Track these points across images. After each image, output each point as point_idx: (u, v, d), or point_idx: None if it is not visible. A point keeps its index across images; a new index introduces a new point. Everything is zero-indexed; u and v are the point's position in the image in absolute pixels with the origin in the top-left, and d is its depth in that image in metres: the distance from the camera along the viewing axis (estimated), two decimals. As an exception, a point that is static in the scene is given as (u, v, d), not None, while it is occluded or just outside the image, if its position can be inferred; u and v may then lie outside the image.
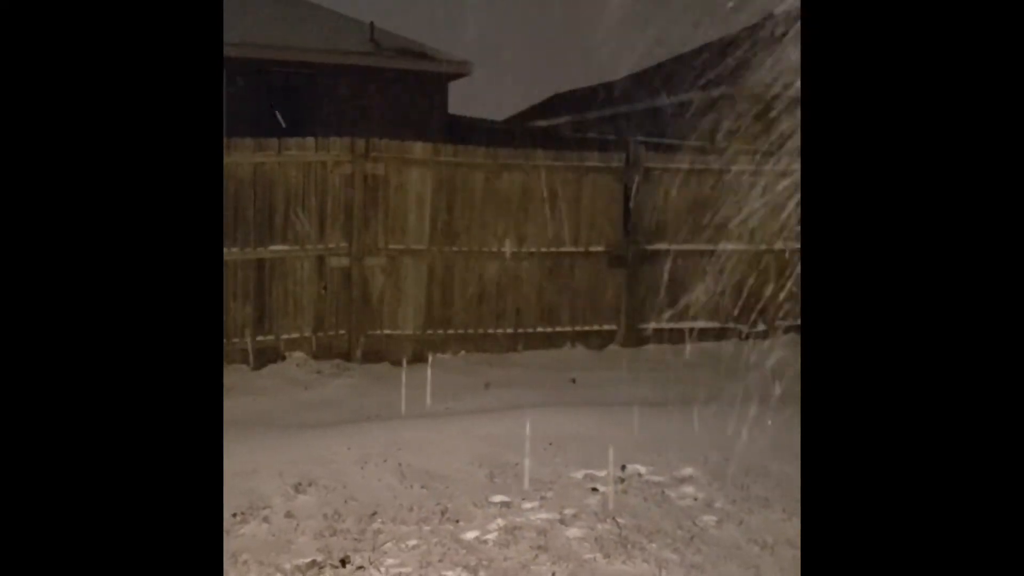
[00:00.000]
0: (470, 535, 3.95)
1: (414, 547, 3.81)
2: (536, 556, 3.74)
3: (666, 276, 8.58)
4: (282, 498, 4.33)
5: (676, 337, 8.57)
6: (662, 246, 8.57)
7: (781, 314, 8.59)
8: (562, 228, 8.31)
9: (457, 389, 6.80)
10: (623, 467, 4.83)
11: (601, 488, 4.56)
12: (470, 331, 8.06)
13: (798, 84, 2.19)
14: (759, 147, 8.29)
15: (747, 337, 8.73)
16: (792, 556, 3.76)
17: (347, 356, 7.68)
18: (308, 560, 3.68)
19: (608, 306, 8.48)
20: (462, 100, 15.03)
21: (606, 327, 8.47)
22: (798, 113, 2.19)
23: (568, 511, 4.23)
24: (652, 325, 8.59)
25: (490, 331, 8.11)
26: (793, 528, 4.01)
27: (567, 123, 16.97)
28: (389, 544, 3.84)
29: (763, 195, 8.75)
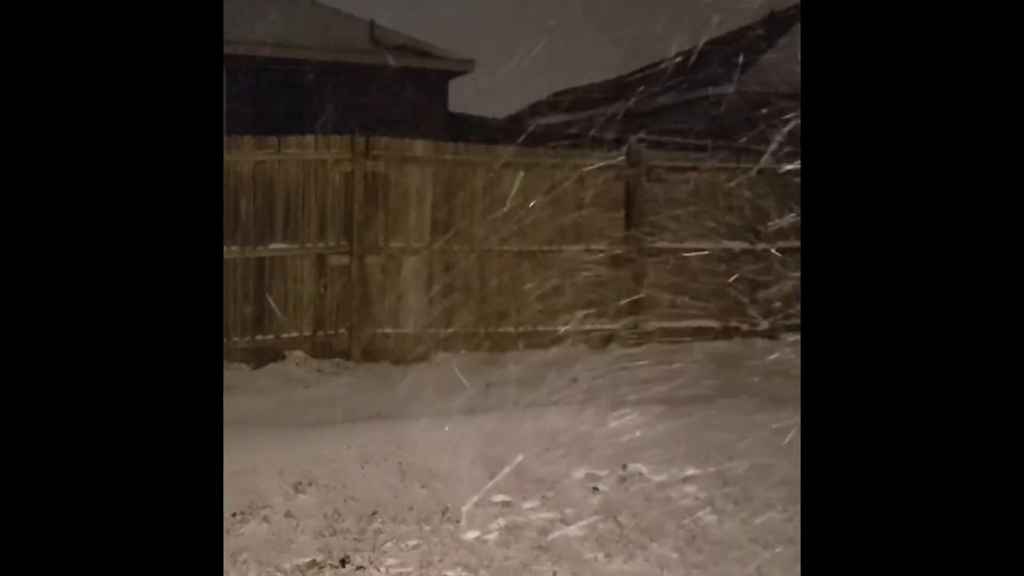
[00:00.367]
0: (470, 535, 3.94)
1: (414, 547, 3.80)
2: (537, 556, 3.73)
3: (667, 275, 8.57)
4: (282, 497, 4.32)
5: (678, 336, 8.56)
6: (663, 244, 8.56)
7: (783, 313, 8.58)
8: (563, 226, 8.29)
9: (457, 388, 6.79)
10: (624, 466, 4.82)
11: (602, 487, 4.55)
12: (471, 330, 8.05)
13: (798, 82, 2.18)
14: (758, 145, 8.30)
15: (749, 336, 8.73)
16: (794, 555, 3.75)
17: (347, 355, 7.67)
18: (308, 560, 3.67)
19: (610, 304, 8.46)
20: (463, 98, 15.00)
21: (607, 326, 8.46)
22: (798, 112, 2.19)
23: (569, 510, 4.21)
24: (654, 324, 8.57)
25: (491, 330, 8.10)
26: (795, 528, 4.00)
27: (569, 121, 16.94)
28: (389, 544, 3.83)
29: (763, 195, 8.75)
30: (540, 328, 8.25)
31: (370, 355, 7.73)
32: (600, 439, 5.21)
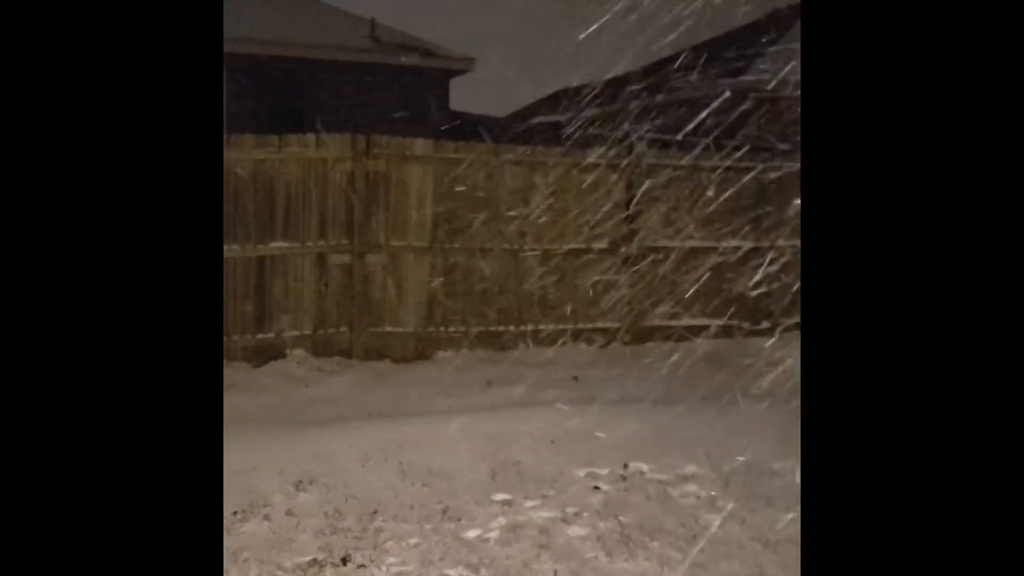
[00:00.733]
0: (472, 533, 3.94)
1: (415, 545, 3.80)
2: (538, 554, 3.73)
3: (668, 273, 8.57)
4: (283, 496, 4.32)
5: (679, 334, 8.56)
6: (665, 243, 8.56)
7: (784, 311, 8.57)
8: (564, 225, 8.29)
9: (459, 386, 6.79)
10: (625, 465, 4.82)
11: (603, 486, 4.54)
12: (472, 328, 8.05)
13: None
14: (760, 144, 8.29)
15: (750, 334, 8.72)
16: (795, 554, 3.74)
17: (348, 353, 7.67)
18: (309, 558, 3.66)
19: (611, 303, 8.46)
20: (464, 96, 14.99)
21: (609, 324, 8.46)
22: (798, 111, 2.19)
23: (570, 509, 4.21)
24: (655, 322, 8.57)
25: (492, 328, 8.10)
26: (796, 526, 4.00)
27: (570, 119, 16.93)
28: (390, 542, 3.83)
29: (764, 192, 8.75)
30: (541, 326, 8.25)
31: (371, 353, 7.72)
32: (601, 438, 5.21)
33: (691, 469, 4.80)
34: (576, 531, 3.98)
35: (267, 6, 13.04)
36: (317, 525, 4.01)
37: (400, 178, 7.78)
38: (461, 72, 13.69)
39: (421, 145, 7.99)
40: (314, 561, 3.64)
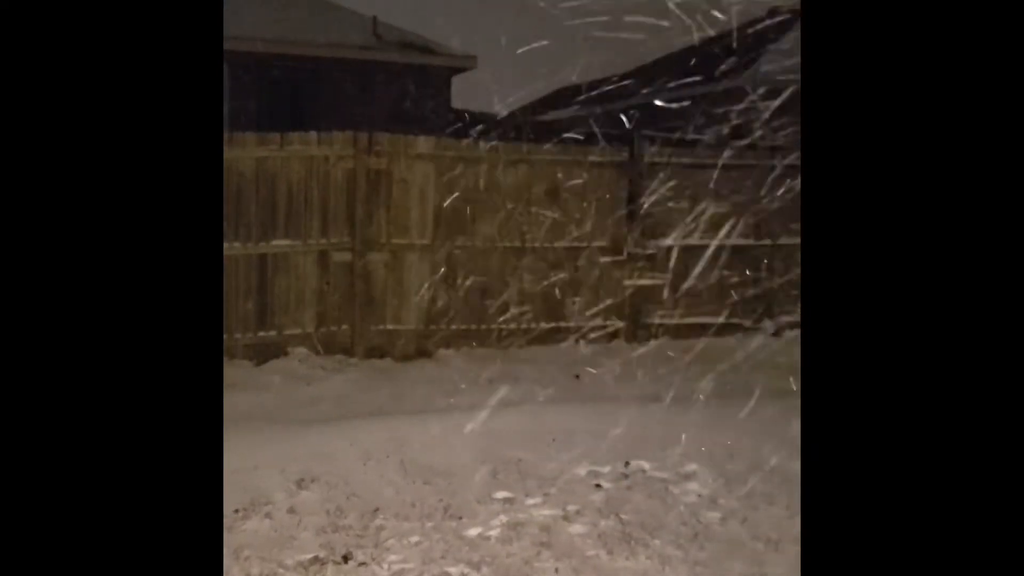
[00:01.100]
0: (473, 531, 3.94)
1: (416, 543, 3.80)
2: (539, 553, 3.73)
3: (670, 271, 8.56)
4: (284, 494, 4.32)
5: (681, 332, 8.55)
6: (667, 241, 8.54)
7: (786, 310, 8.56)
8: (566, 223, 8.28)
9: (460, 385, 6.78)
10: (627, 463, 4.81)
11: (605, 484, 4.54)
12: (473, 326, 8.04)
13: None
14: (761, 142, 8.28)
15: (753, 333, 8.71)
16: (797, 553, 3.74)
17: (350, 351, 7.66)
18: (310, 556, 3.66)
19: (613, 301, 8.46)
20: (466, 94, 14.99)
21: (610, 322, 8.45)
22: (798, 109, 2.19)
23: (571, 507, 4.21)
24: (657, 320, 8.57)
25: (494, 326, 8.09)
26: (797, 525, 3.99)
27: (571, 117, 16.94)
28: (391, 540, 3.83)
29: (767, 190, 8.74)
30: (543, 325, 8.25)
31: (372, 351, 7.72)
32: (602, 436, 5.20)
33: (692, 467, 4.80)
34: (577, 529, 3.98)
35: (269, 4, 13.03)
36: (318, 523, 4.01)
37: (402, 176, 7.78)
38: (463, 70, 13.68)
39: (423, 143, 7.98)
40: (315, 559, 3.64)
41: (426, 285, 7.89)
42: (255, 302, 7.37)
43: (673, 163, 8.60)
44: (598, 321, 8.40)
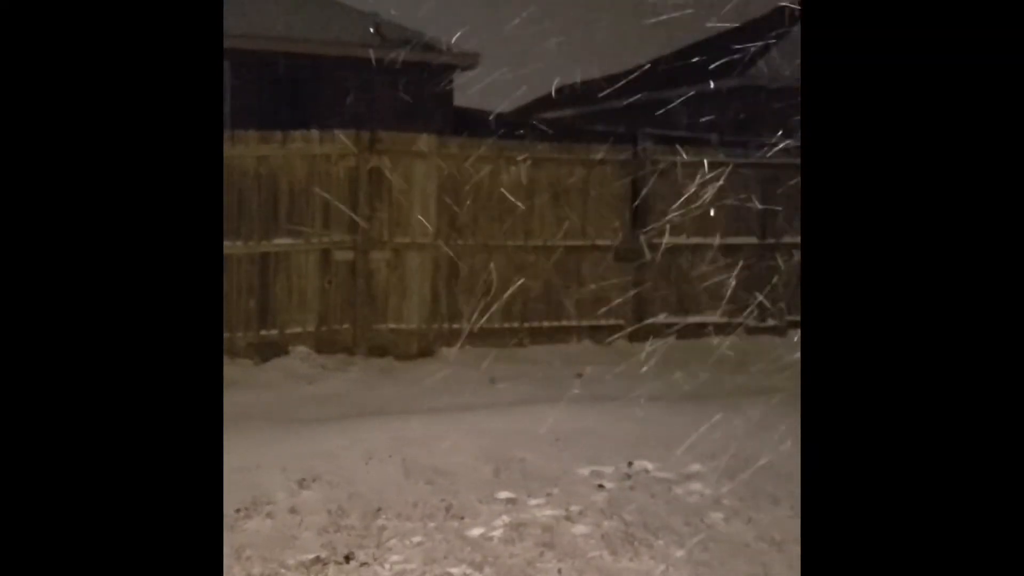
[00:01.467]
0: (475, 532, 3.92)
1: (418, 543, 3.79)
2: (542, 553, 3.71)
3: (673, 270, 8.54)
4: (286, 493, 4.31)
5: (683, 332, 8.53)
6: (669, 240, 8.52)
7: (790, 309, 8.55)
8: (569, 222, 8.27)
9: (462, 384, 6.78)
10: (630, 463, 4.80)
11: (607, 484, 4.52)
12: (475, 325, 8.03)
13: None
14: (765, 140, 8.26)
15: (755, 332, 8.70)
16: (800, 553, 3.72)
17: (351, 351, 7.66)
18: (312, 556, 3.65)
19: (615, 300, 8.44)
20: (468, 92, 14.98)
21: (613, 321, 8.43)
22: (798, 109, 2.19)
23: (574, 508, 4.19)
24: (659, 319, 8.55)
25: (496, 325, 8.08)
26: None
27: (574, 115, 16.93)
28: (393, 540, 3.82)
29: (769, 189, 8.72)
30: (545, 324, 8.23)
31: (374, 350, 7.71)
32: (605, 435, 5.19)
33: (696, 467, 4.78)
34: (580, 529, 3.96)
35: (271, 2, 13.03)
36: (320, 523, 3.99)
37: (404, 174, 7.76)
38: (465, 68, 13.66)
39: (425, 141, 7.97)
40: (317, 559, 3.63)
41: (428, 284, 7.87)
42: (257, 300, 7.37)
43: (677, 161, 8.58)
44: (601, 320, 8.38)
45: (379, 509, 4.15)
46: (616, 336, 8.43)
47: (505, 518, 4.06)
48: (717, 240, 8.69)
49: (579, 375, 7.12)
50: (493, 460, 4.81)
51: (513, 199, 8.09)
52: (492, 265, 8.08)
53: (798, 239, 8.16)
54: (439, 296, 7.94)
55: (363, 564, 3.60)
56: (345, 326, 7.66)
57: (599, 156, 8.41)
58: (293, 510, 4.13)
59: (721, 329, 8.61)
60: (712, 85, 13.89)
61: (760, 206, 8.75)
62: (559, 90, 20.24)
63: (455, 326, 7.98)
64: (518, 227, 8.12)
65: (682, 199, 8.52)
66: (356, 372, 7.27)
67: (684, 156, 8.68)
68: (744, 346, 8.28)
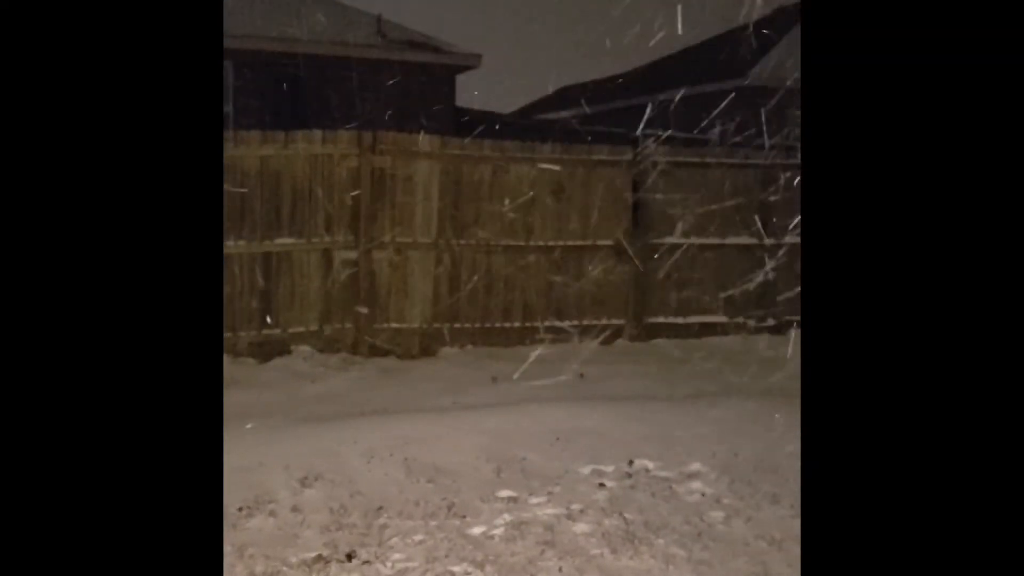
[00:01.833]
0: (477, 530, 3.94)
1: (420, 542, 3.80)
2: (543, 551, 3.72)
3: (674, 270, 8.55)
4: (288, 492, 4.32)
5: (684, 331, 8.54)
6: (670, 240, 8.53)
7: (790, 309, 8.55)
8: (570, 222, 8.28)
9: (464, 383, 6.79)
10: (630, 462, 4.81)
11: (608, 483, 4.53)
12: (477, 325, 8.04)
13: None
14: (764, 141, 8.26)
15: (756, 331, 8.70)
16: (799, 552, 3.73)
17: (353, 350, 7.67)
18: (314, 554, 3.66)
19: (616, 300, 8.45)
20: (470, 93, 14.99)
21: (614, 321, 8.44)
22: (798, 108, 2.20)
23: (575, 506, 4.20)
24: (660, 319, 8.56)
25: (497, 325, 8.09)
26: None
27: (575, 116, 16.94)
28: (395, 539, 3.83)
29: (771, 189, 8.72)
30: (547, 323, 8.24)
31: (376, 350, 7.72)
32: (606, 434, 5.20)
33: (696, 466, 4.79)
34: (581, 528, 3.97)
35: (274, 3, 13.04)
36: (322, 521, 4.01)
37: (406, 174, 7.77)
38: (467, 69, 13.67)
39: (427, 141, 7.98)
40: (319, 557, 3.64)
41: (430, 283, 7.89)
42: (259, 300, 7.38)
43: (678, 161, 8.59)
44: (602, 319, 8.39)
45: (381, 508, 4.17)
46: (617, 335, 8.43)
47: (506, 516, 4.07)
48: (718, 240, 8.70)
49: (580, 375, 7.13)
50: (494, 459, 4.82)
51: (515, 198, 8.10)
52: (493, 265, 8.09)
53: (798, 239, 8.17)
54: (440, 296, 7.95)
55: (365, 562, 3.61)
56: (347, 325, 7.68)
57: (600, 156, 8.42)
58: (295, 508, 4.14)
59: (722, 328, 8.62)
60: (713, 85, 13.89)
61: (760, 206, 8.76)
62: (561, 90, 20.23)
63: (456, 325, 7.99)
64: (519, 227, 8.13)
65: (683, 199, 8.54)
66: (358, 371, 7.28)
67: (684, 156, 8.70)
68: (745, 345, 8.29)
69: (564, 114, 17.37)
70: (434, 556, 3.66)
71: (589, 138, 9.31)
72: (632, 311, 8.49)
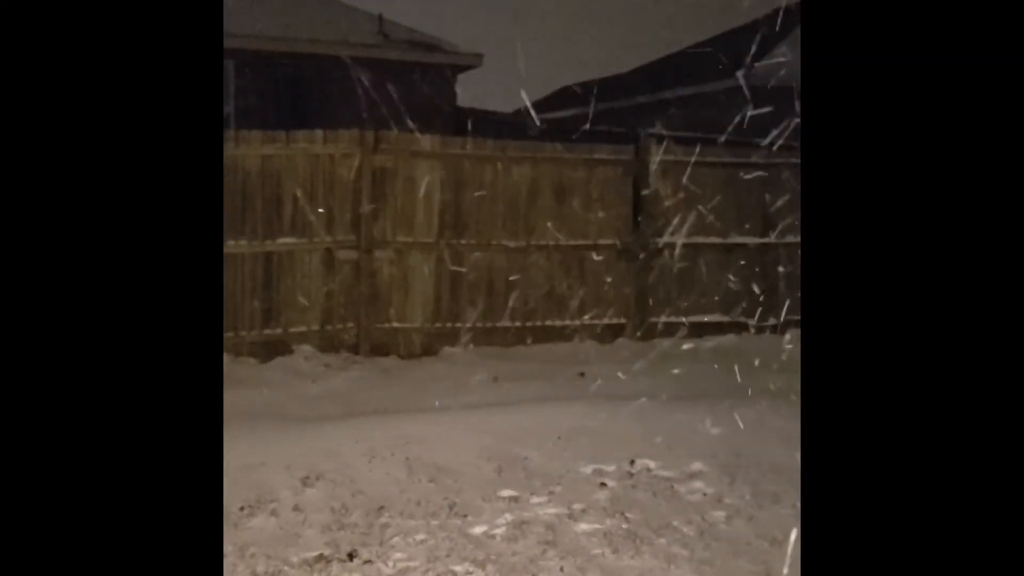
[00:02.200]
0: (478, 530, 3.94)
1: (422, 541, 3.80)
2: (544, 551, 3.73)
3: (675, 269, 8.55)
4: (289, 491, 4.33)
5: (686, 330, 8.54)
6: (672, 239, 8.53)
7: (791, 308, 8.54)
8: (571, 221, 8.27)
9: (465, 383, 6.79)
10: (632, 462, 4.81)
11: (610, 483, 4.54)
12: (478, 324, 8.04)
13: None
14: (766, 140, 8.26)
15: (757, 331, 8.69)
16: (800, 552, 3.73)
17: (355, 349, 7.67)
18: (316, 554, 3.67)
19: (617, 299, 8.45)
20: (472, 92, 14.98)
21: (615, 320, 8.44)
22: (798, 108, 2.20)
23: (577, 506, 4.21)
24: (662, 318, 8.55)
25: (499, 324, 8.09)
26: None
27: (577, 115, 16.94)
28: (396, 538, 3.83)
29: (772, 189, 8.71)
30: (548, 323, 8.24)
31: (378, 349, 7.73)
32: (608, 434, 5.20)
33: (698, 466, 4.79)
34: (582, 528, 3.98)
35: (276, 2, 13.05)
36: (324, 520, 4.01)
37: (407, 174, 7.78)
38: (469, 68, 13.67)
39: (428, 141, 7.98)
40: (320, 556, 3.64)
41: (431, 283, 7.89)
42: (261, 299, 7.38)
43: (680, 160, 8.59)
44: (604, 319, 8.39)
45: (382, 507, 4.17)
46: (618, 334, 8.43)
47: (508, 516, 4.08)
48: (719, 239, 8.69)
49: (581, 374, 7.13)
50: (496, 458, 4.82)
51: (516, 198, 8.10)
52: (494, 264, 8.09)
53: (798, 238, 8.16)
54: (442, 295, 7.96)
55: (366, 562, 3.61)
56: (349, 325, 7.68)
57: (602, 156, 8.42)
58: (297, 508, 4.14)
59: (723, 328, 8.62)
60: (714, 84, 13.89)
61: (761, 205, 8.76)
62: (563, 90, 20.23)
63: (458, 325, 7.99)
64: (521, 226, 8.13)
65: (684, 198, 8.54)
66: (359, 371, 7.29)
67: (685, 155, 8.69)
68: (745, 345, 8.28)
69: (566, 113, 17.36)
70: (435, 555, 3.66)
71: (590, 137, 9.30)
72: (633, 310, 8.49)
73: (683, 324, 8.55)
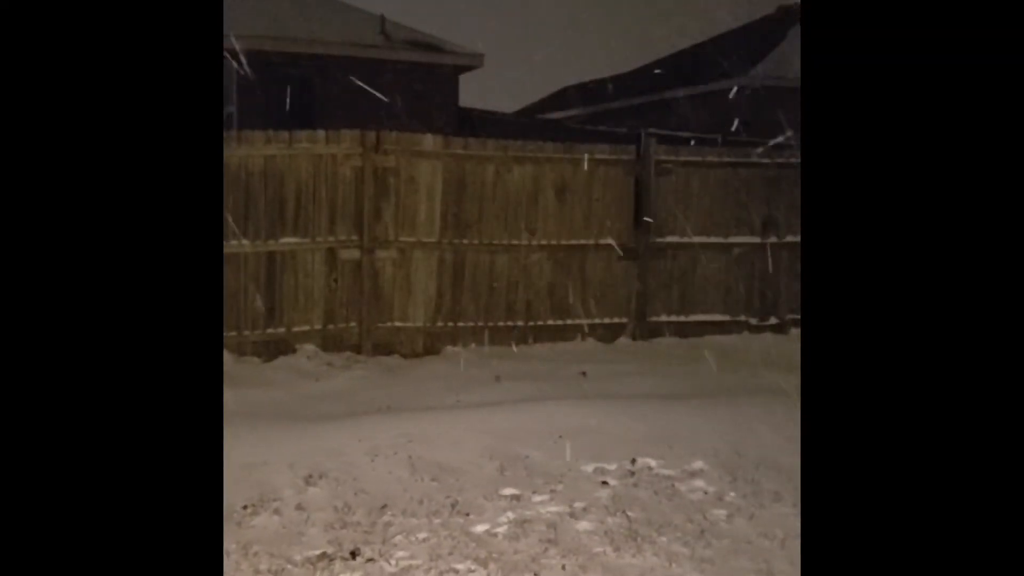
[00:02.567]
0: (480, 528, 3.95)
1: (424, 540, 3.82)
2: (546, 549, 3.74)
3: (676, 269, 8.56)
4: (292, 490, 4.34)
5: (687, 330, 8.55)
6: (673, 239, 8.54)
7: (792, 307, 8.55)
8: (572, 221, 8.28)
9: (467, 382, 6.80)
10: (633, 460, 4.82)
11: (611, 481, 4.55)
12: (480, 324, 8.05)
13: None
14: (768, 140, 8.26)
15: (758, 330, 8.70)
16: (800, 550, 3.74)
17: (357, 349, 7.68)
18: (318, 552, 3.68)
19: (619, 299, 8.46)
20: (473, 92, 14.98)
21: (617, 320, 8.45)
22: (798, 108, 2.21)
23: (578, 504, 4.22)
24: (662, 317, 8.56)
25: (500, 324, 8.10)
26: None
27: (578, 115, 16.95)
28: (399, 537, 3.85)
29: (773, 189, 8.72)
30: (549, 322, 8.25)
31: (380, 349, 7.74)
32: (609, 433, 5.21)
33: (699, 464, 4.80)
34: (584, 526, 3.99)
35: (277, 3, 13.06)
36: (326, 519, 4.03)
37: (409, 174, 7.79)
38: (470, 68, 13.68)
39: (430, 141, 7.99)
40: (323, 555, 3.66)
41: (433, 282, 7.90)
42: (263, 299, 7.40)
43: (681, 160, 8.60)
44: (605, 318, 8.40)
45: (385, 506, 4.19)
46: (619, 334, 8.44)
47: (510, 514, 4.09)
48: (719, 239, 8.70)
49: (582, 373, 7.14)
50: (498, 457, 4.83)
51: (517, 198, 8.11)
52: (496, 263, 8.10)
53: (799, 238, 8.16)
54: (444, 294, 7.97)
55: (369, 560, 3.63)
56: (351, 324, 7.70)
57: (603, 156, 8.43)
58: (300, 506, 4.16)
59: (724, 327, 8.63)
60: (715, 84, 13.88)
61: (762, 205, 8.76)
62: (564, 90, 20.21)
63: (460, 324, 8.00)
64: (522, 226, 8.14)
65: (685, 197, 8.55)
66: (362, 370, 7.30)
67: (686, 155, 8.70)
68: (746, 344, 8.29)
69: (567, 113, 17.37)
70: (438, 554, 3.68)
71: (592, 137, 9.31)
72: (634, 309, 8.50)
73: (683, 323, 8.56)
